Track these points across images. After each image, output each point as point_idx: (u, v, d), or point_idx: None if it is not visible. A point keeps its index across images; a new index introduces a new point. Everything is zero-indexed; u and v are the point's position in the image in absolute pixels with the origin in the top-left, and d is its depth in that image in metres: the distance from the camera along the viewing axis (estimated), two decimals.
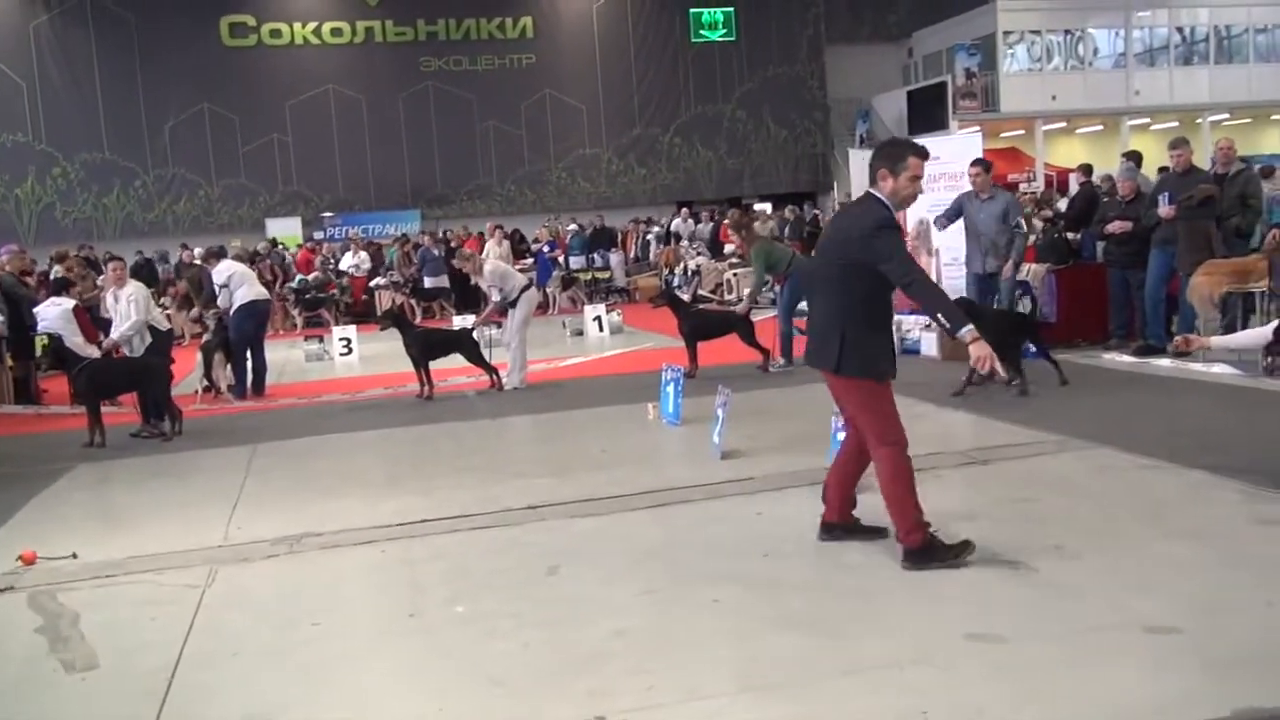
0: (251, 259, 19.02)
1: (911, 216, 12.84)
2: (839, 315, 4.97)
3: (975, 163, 9.80)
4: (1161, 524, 5.21)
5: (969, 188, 10.27)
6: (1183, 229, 10.10)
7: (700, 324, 11.55)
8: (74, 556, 5.84)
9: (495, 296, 11.32)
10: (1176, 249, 10.21)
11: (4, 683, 4.33)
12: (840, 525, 5.30)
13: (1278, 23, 33.59)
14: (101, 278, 11.19)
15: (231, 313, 11.72)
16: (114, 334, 10.27)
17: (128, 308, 10.09)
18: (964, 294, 10.04)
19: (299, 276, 21.99)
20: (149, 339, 10.21)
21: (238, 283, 11.77)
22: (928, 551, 4.83)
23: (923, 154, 4.98)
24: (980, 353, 4.71)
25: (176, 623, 4.80)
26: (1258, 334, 6.70)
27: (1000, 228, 9.75)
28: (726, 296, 19.22)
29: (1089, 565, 4.74)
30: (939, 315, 4.90)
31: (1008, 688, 3.66)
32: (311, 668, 4.24)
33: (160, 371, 9.66)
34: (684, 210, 26.99)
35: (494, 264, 11.93)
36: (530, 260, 23.34)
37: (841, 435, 5.68)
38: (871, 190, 5.01)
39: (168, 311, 19.70)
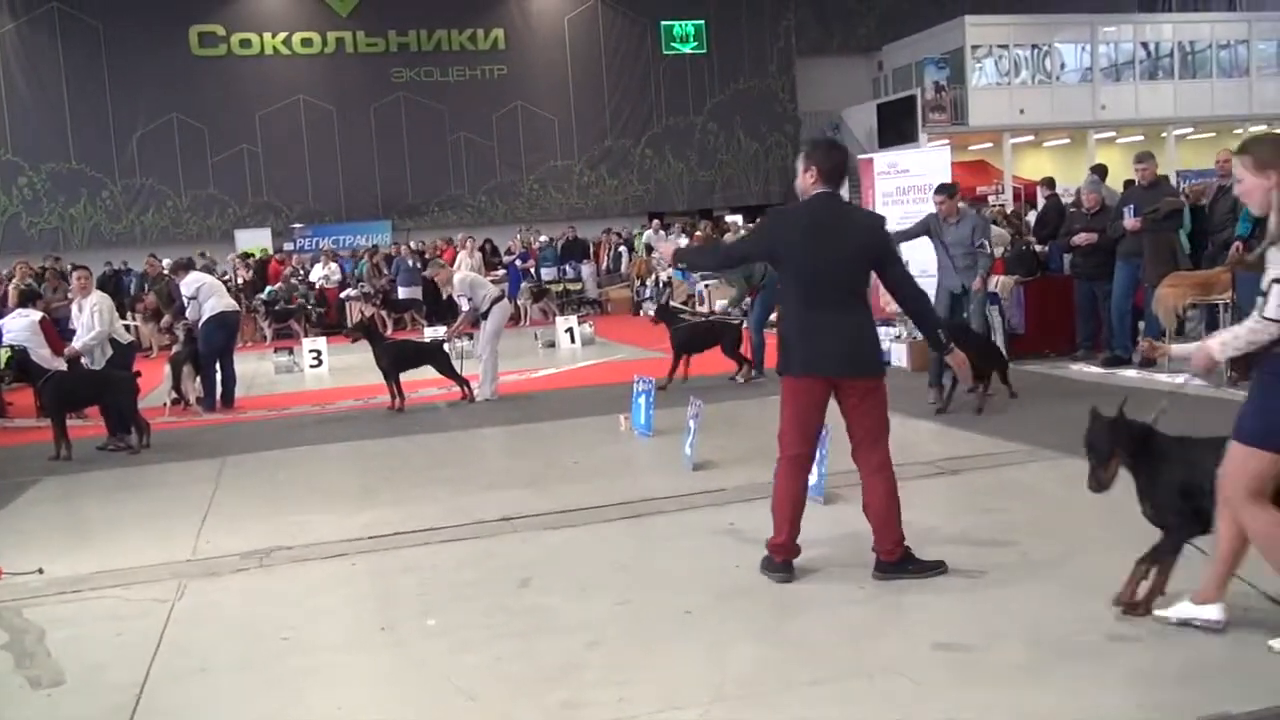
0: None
1: None
2: (865, 316, 4.98)
3: (941, 189, 9.81)
4: (1127, 533, 5.25)
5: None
6: (1148, 241, 10.23)
7: (689, 337, 11.59)
8: (40, 572, 5.78)
9: (465, 306, 11.30)
10: (1142, 261, 10.35)
11: None
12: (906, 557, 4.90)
13: (1240, 38, 34.16)
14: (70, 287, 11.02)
15: (200, 324, 11.64)
16: (76, 343, 10.19)
17: (91, 318, 10.01)
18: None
19: (269, 288, 21.87)
20: (110, 351, 10.14)
21: (206, 294, 11.69)
22: (902, 563, 4.86)
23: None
24: (958, 362, 4.96)
25: (144, 638, 4.75)
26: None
27: (969, 248, 9.82)
28: (698, 308, 19.28)
29: (1056, 574, 4.79)
30: (937, 328, 5.10)
31: (975, 696, 3.69)
32: (282, 682, 4.22)
33: (126, 384, 9.58)
34: (656, 222, 27.06)
35: (464, 274, 11.92)
36: (502, 271, 23.33)
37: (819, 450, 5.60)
38: (836, 192, 4.97)
39: (135, 324, 19.62)
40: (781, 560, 4.97)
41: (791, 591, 4.86)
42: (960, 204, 9.91)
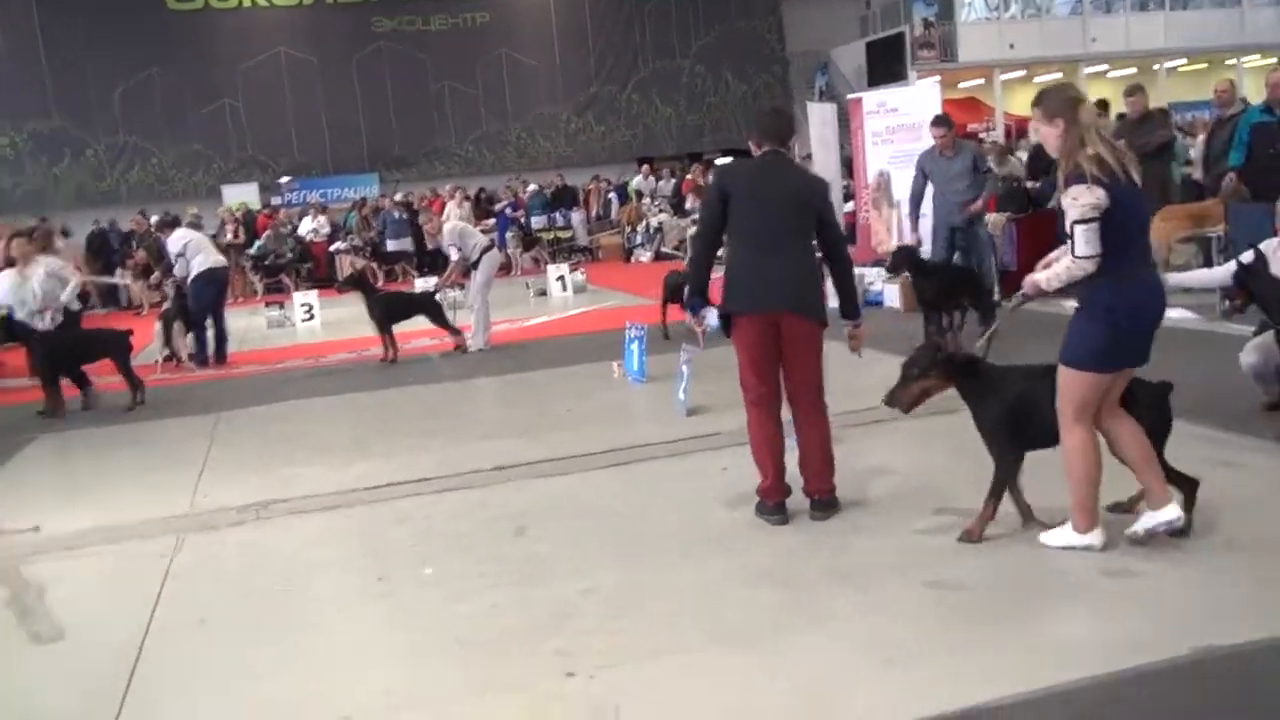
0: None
1: (871, 168, 12.91)
2: (811, 261, 5.06)
3: (939, 122, 9.74)
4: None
5: (930, 143, 10.18)
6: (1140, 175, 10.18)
7: (678, 283, 11.47)
8: (36, 529, 5.79)
9: (454, 255, 11.23)
10: None
11: None
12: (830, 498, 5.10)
13: None
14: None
15: (189, 281, 11.58)
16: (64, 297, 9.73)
17: (50, 284, 9.53)
18: (928, 250, 10.02)
19: (257, 243, 21.72)
20: (60, 318, 9.71)
21: (194, 250, 11.62)
22: (835, 501, 5.06)
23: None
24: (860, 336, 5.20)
25: (143, 592, 4.77)
26: (1215, 274, 6.78)
27: (971, 180, 9.74)
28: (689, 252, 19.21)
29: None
30: (854, 297, 5.24)
31: (968, 632, 3.73)
32: (281, 634, 4.25)
33: (120, 342, 9.53)
34: (645, 168, 26.88)
35: (453, 223, 11.83)
36: (492, 221, 23.19)
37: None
38: (784, 151, 5.15)
39: (125, 282, 19.54)
40: (774, 503, 5.03)
41: (784, 535, 4.89)
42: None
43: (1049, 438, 4.41)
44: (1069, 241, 4.08)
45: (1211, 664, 3.37)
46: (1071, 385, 4.21)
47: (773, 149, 5.10)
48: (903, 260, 9.15)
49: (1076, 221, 4.01)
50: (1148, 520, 4.31)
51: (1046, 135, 4.22)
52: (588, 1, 31.56)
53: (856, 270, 11.90)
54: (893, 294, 11.60)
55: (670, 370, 7.78)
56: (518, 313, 14.19)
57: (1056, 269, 4.23)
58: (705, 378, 7.76)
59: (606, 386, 8.67)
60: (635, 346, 8.62)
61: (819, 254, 5.19)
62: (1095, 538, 4.30)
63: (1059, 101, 4.14)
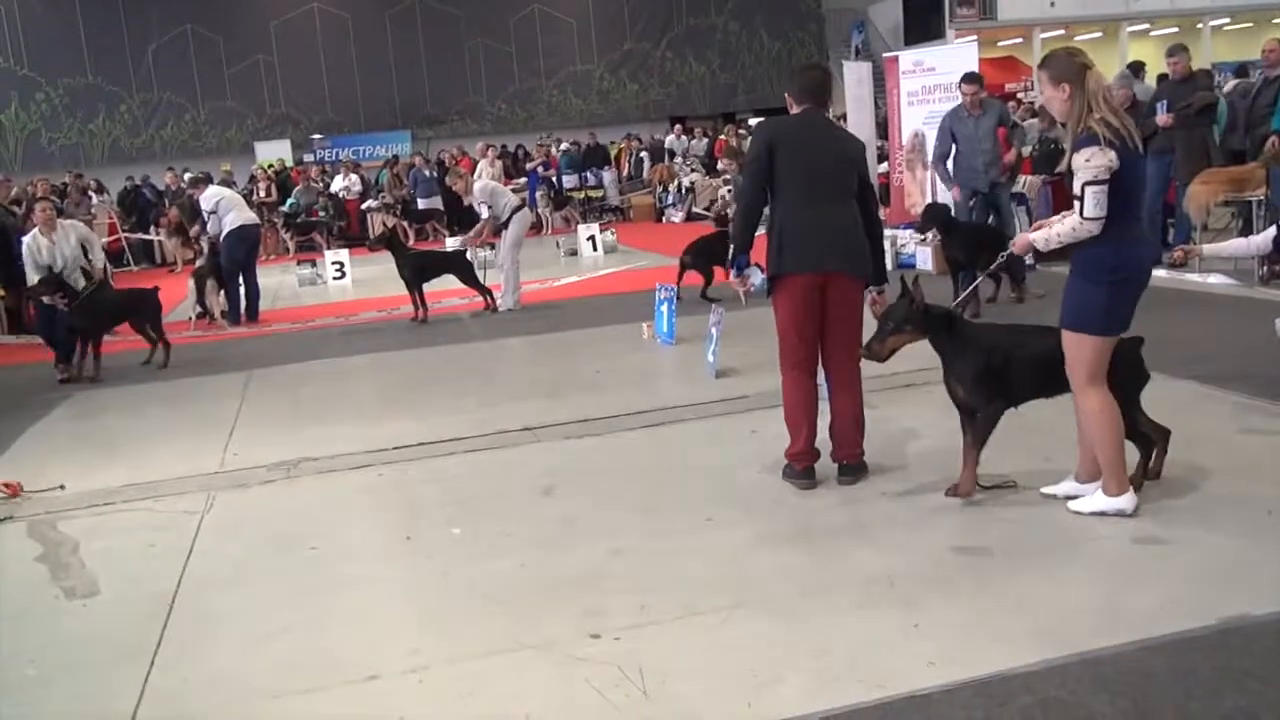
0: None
1: (906, 129, 12.74)
2: (857, 220, 4.97)
3: (970, 79, 9.59)
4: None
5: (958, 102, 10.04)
6: (1180, 137, 10.01)
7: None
8: (61, 488, 5.85)
9: (485, 213, 11.21)
10: (1173, 157, 10.12)
11: (8, 610, 4.38)
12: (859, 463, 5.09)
13: None
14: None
15: (222, 238, 11.64)
16: (97, 263, 9.56)
17: (76, 251, 9.20)
18: (953, 211, 9.89)
19: (289, 200, 21.78)
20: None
21: (226, 208, 11.68)
22: (863, 465, 5.06)
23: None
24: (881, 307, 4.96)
25: (176, 548, 4.84)
26: (1253, 242, 6.66)
27: (995, 141, 9.61)
28: (724, 213, 19.07)
29: (1037, 475, 4.76)
30: (884, 264, 5.16)
31: (996, 598, 3.71)
32: (311, 591, 4.29)
33: (152, 301, 9.59)
34: (678, 127, 26.66)
35: (484, 182, 11.80)
36: (523, 180, 23.13)
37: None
38: (822, 109, 5.12)
39: (159, 239, 19.69)
40: (802, 468, 5.01)
41: (811, 499, 4.87)
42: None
43: (1028, 392, 4.58)
44: (1077, 202, 4.07)
45: (1241, 634, 3.33)
46: (1080, 349, 4.22)
47: (812, 106, 5.04)
48: (931, 218, 9.05)
49: (1088, 183, 4.02)
50: (1067, 486, 4.52)
51: (1052, 99, 4.21)
52: None
53: (889, 232, 11.85)
54: (925, 256, 11.48)
55: (699, 332, 7.75)
56: (548, 273, 14.18)
57: (1059, 228, 4.22)
58: (735, 340, 7.73)
59: (636, 348, 8.65)
60: (665, 308, 8.60)
61: None
62: (1127, 501, 4.29)
63: (1067, 66, 4.12)
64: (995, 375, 4.49)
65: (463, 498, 5.28)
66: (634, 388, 7.25)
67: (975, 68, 11.54)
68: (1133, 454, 4.50)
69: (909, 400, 6.21)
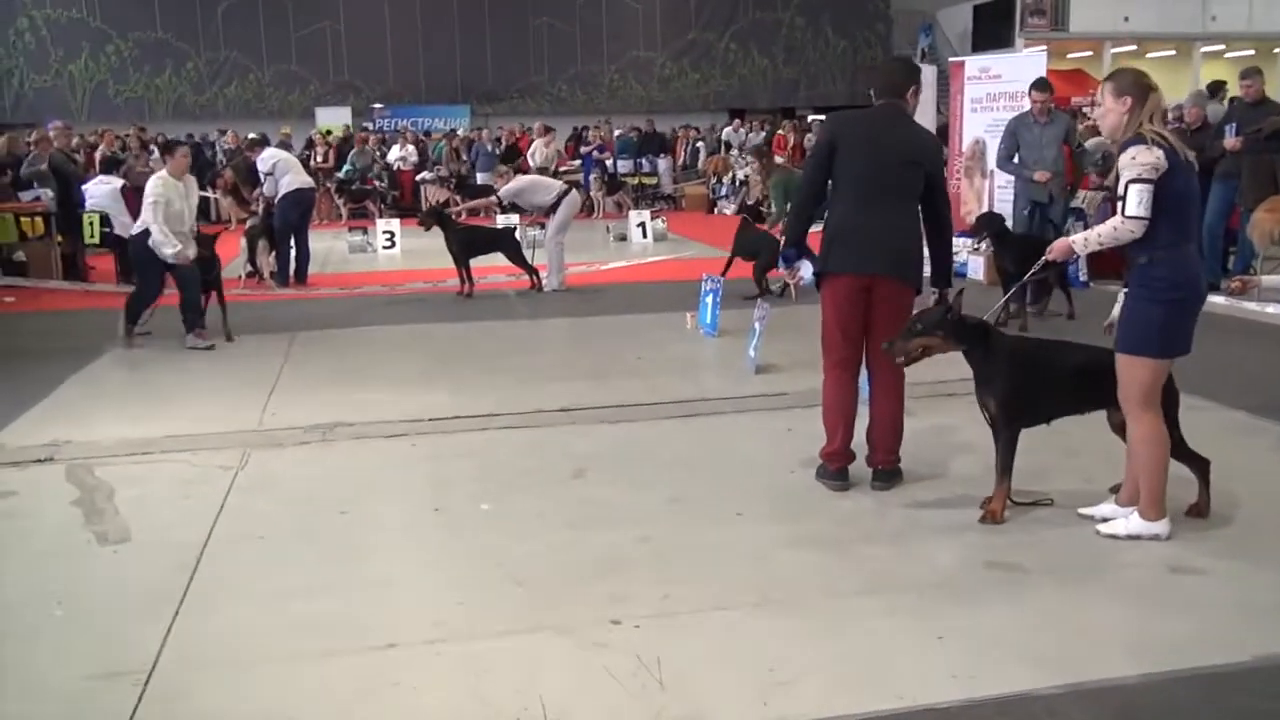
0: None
1: (967, 135, 12.58)
2: (914, 225, 4.91)
3: (1041, 85, 9.44)
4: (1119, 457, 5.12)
5: (1025, 108, 9.91)
6: (1247, 162, 9.79)
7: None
8: (54, 445, 5.76)
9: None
10: (1240, 183, 9.91)
11: (39, 551, 4.45)
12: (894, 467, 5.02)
13: None
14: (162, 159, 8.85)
15: (276, 200, 11.74)
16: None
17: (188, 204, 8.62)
18: (1009, 223, 9.75)
19: (345, 167, 21.92)
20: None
21: (282, 170, 11.76)
22: (898, 470, 4.99)
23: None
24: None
25: (208, 502, 4.89)
26: None
27: (1058, 152, 9.47)
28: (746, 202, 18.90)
29: (1077, 495, 4.68)
30: (950, 271, 5.01)
31: (1024, 616, 3.65)
32: (337, 555, 4.31)
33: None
34: (736, 121, 26.52)
35: (515, 183, 11.70)
36: (577, 163, 23.13)
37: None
38: (900, 103, 4.92)
39: (215, 197, 19.88)
40: (836, 468, 4.97)
41: (844, 501, 4.83)
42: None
43: (1052, 413, 4.52)
44: (1120, 202, 4.01)
45: (1274, 672, 3.26)
46: (1136, 373, 4.13)
47: (889, 101, 4.93)
48: (985, 226, 8.95)
49: (1132, 180, 3.95)
50: (1106, 509, 4.45)
51: (1110, 109, 4.13)
52: None
53: None
54: (977, 266, 11.33)
55: (743, 325, 7.70)
56: (596, 256, 14.16)
57: (1101, 229, 4.15)
58: (779, 335, 7.68)
59: (678, 337, 8.62)
60: (710, 299, 8.55)
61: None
62: (1163, 527, 4.23)
63: (1133, 82, 4.11)
64: (1026, 391, 4.41)
65: (494, 474, 5.29)
66: (673, 376, 7.22)
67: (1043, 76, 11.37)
68: (1178, 483, 4.40)
69: (950, 409, 6.12)
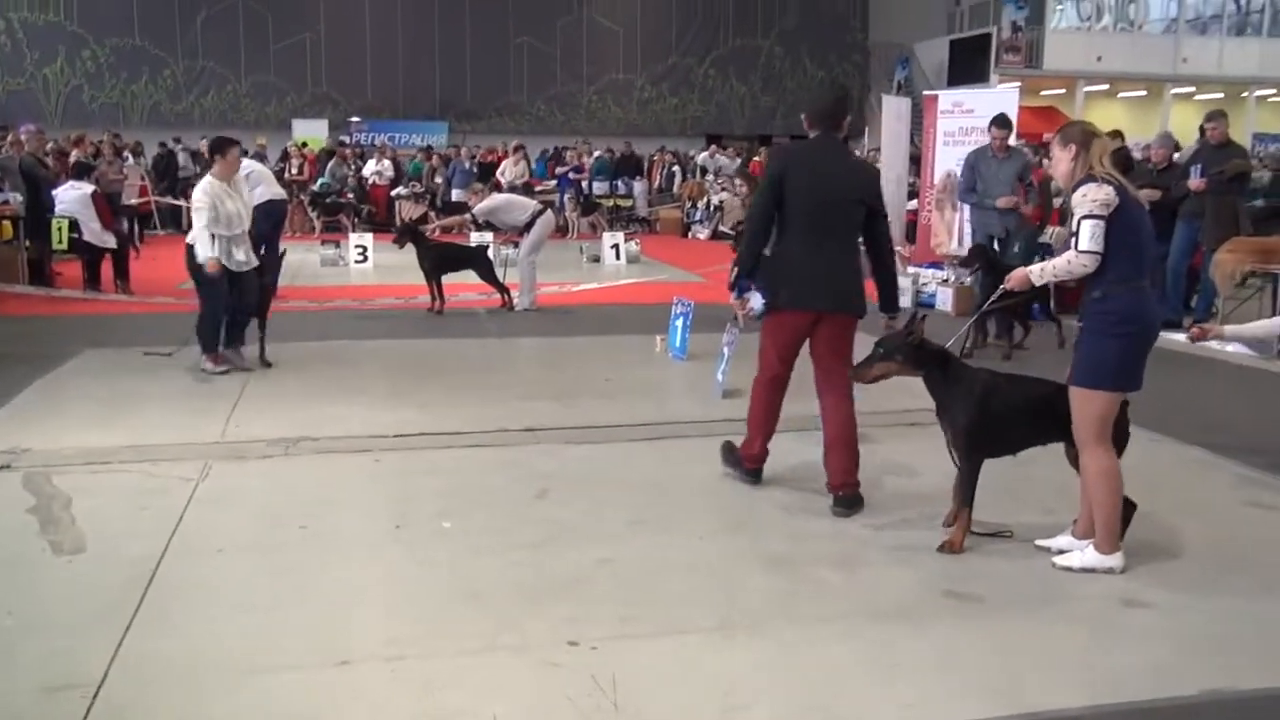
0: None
1: (938, 168, 12.72)
2: (857, 259, 5.09)
3: (1001, 122, 9.55)
4: (1153, 499, 5.17)
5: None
6: (1211, 203, 9.96)
7: None
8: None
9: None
10: (1203, 223, 10.07)
11: None
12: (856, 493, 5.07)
13: None
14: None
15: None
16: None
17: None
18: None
19: (320, 180, 21.87)
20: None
21: (255, 182, 11.67)
22: (858, 498, 5.03)
23: None
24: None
25: (166, 514, 4.84)
26: (1269, 325, 6.61)
27: (1013, 189, 9.58)
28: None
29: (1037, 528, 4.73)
30: (896, 296, 5.35)
31: (978, 646, 3.68)
32: (295, 570, 4.28)
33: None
34: (713, 146, 26.69)
35: (489, 201, 11.73)
36: (553, 183, 23.18)
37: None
38: (836, 134, 5.11)
39: (187, 205, 19.70)
40: (753, 468, 5.33)
41: (807, 527, 4.85)
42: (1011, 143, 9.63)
43: (1012, 446, 4.59)
44: (1074, 237, 4.17)
45: (1221, 707, 3.30)
46: (1089, 406, 4.23)
47: (826, 132, 5.07)
48: (976, 256, 9.06)
49: (1085, 216, 4.10)
50: (1061, 542, 4.48)
51: (1059, 159, 4.32)
52: None
53: (912, 270, 11.84)
54: (945, 297, 11.44)
55: (712, 350, 7.73)
56: (568, 276, 14.18)
57: (1056, 261, 4.31)
58: (747, 360, 7.68)
59: (647, 360, 8.64)
60: (680, 322, 8.59)
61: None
62: (1117, 560, 4.30)
63: (1078, 131, 4.32)
64: (984, 422, 4.47)
65: (457, 492, 5.27)
66: (640, 399, 7.24)
67: (1015, 113, 11.52)
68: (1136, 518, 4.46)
69: (914, 437, 6.17)
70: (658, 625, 3.80)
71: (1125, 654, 3.64)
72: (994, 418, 4.47)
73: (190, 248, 7.69)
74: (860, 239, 5.09)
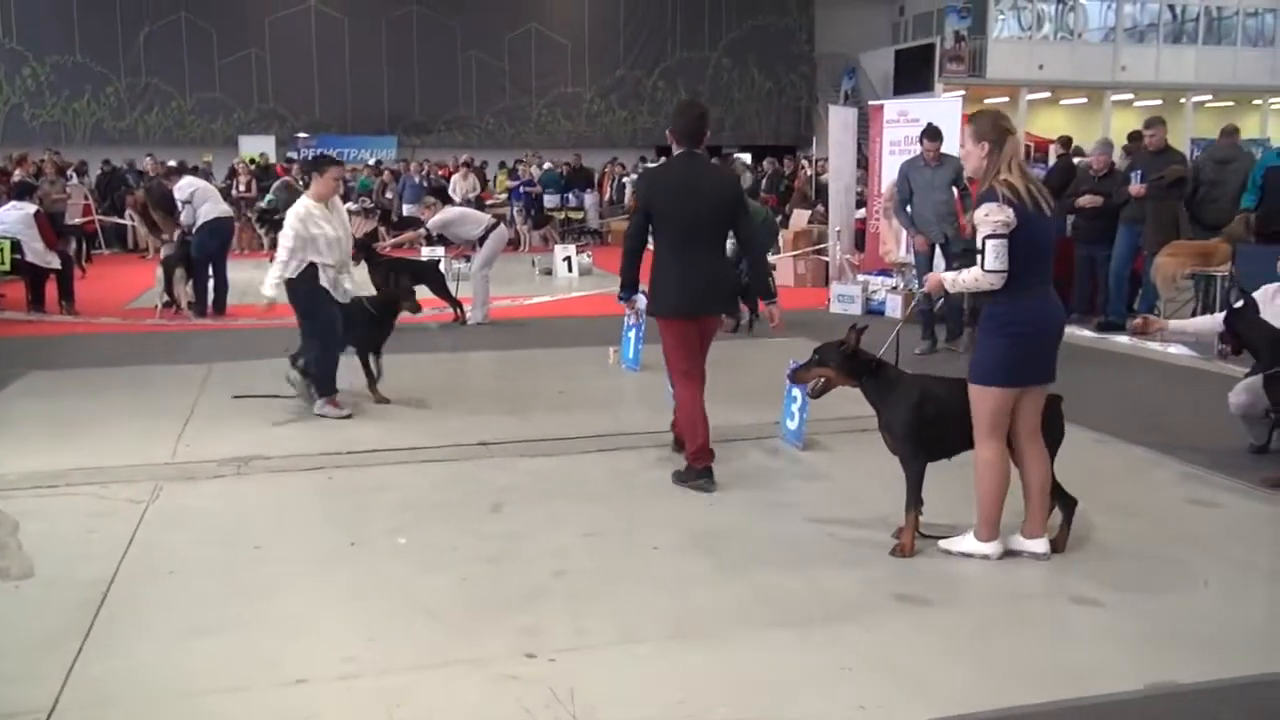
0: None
1: (885, 177, 12.86)
2: (723, 264, 5.76)
3: (932, 134, 9.64)
4: (1099, 498, 5.28)
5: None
6: (1151, 208, 10.17)
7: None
8: None
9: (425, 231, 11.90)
10: (1144, 228, 10.28)
11: None
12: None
13: (1269, 7, 33.59)
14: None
15: (194, 229, 11.57)
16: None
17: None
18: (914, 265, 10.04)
19: (268, 196, 21.65)
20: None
21: (200, 199, 11.61)
22: (708, 470, 5.54)
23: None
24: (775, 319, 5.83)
25: (117, 537, 4.79)
26: (1209, 321, 6.77)
27: (949, 195, 9.67)
28: None
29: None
30: (768, 276, 6.09)
31: (930, 647, 3.74)
32: (249, 590, 4.26)
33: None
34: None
35: (443, 215, 11.72)
36: (504, 197, 23.14)
37: (797, 392, 6.11)
38: (698, 150, 5.62)
39: (132, 224, 19.50)
40: (703, 466, 5.53)
41: (760, 533, 4.89)
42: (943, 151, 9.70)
43: (953, 447, 4.66)
44: (979, 255, 4.29)
45: (1166, 701, 3.38)
46: (981, 402, 4.38)
47: (689, 150, 5.57)
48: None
49: (987, 237, 4.23)
50: (1017, 543, 4.55)
51: (970, 153, 4.44)
52: None
53: (860, 278, 11.95)
54: (894, 304, 11.58)
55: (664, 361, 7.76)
56: (521, 289, 14.17)
57: (964, 275, 4.42)
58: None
59: (600, 372, 8.66)
60: (633, 334, 8.62)
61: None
62: (993, 548, 4.48)
63: (991, 126, 4.37)
64: (923, 426, 4.57)
65: (411, 508, 5.26)
66: (595, 410, 7.26)
67: (959, 122, 11.68)
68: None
69: (863, 443, 6.22)
70: (613, 635, 3.82)
71: (1073, 651, 3.72)
72: (929, 422, 4.57)
73: (292, 282, 6.81)
74: (722, 243, 5.70)
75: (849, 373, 4.71)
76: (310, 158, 7.17)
